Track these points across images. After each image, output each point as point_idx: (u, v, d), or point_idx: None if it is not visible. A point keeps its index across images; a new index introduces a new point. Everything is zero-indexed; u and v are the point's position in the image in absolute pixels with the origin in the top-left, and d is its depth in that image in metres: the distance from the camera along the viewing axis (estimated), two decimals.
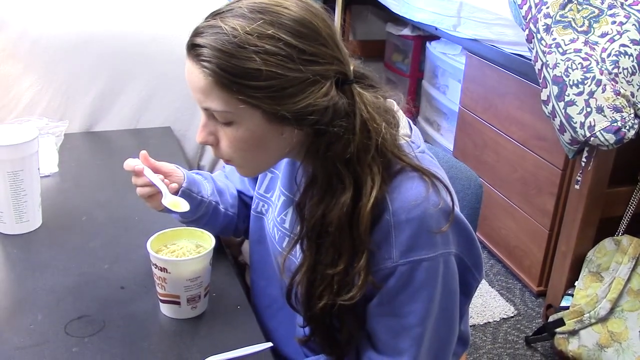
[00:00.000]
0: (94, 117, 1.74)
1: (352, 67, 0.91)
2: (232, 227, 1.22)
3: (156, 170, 1.07)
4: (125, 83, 1.75)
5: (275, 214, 1.10)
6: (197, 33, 0.87)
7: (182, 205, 1.05)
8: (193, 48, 0.87)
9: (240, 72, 0.84)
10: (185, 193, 1.09)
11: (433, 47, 3.40)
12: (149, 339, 0.99)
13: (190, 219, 1.13)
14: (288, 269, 1.01)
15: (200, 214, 1.14)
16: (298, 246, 0.97)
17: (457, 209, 0.95)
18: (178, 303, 1.01)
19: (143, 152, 1.06)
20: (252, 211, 1.17)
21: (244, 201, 1.24)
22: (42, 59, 1.71)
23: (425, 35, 3.51)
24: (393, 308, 0.94)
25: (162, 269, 0.99)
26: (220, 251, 1.17)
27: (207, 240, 1.05)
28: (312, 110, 0.86)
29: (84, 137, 1.72)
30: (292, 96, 0.85)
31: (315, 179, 0.92)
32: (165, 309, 1.03)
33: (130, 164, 1.06)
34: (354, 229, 0.90)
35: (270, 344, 0.97)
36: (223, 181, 1.24)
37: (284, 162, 1.09)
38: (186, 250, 1.04)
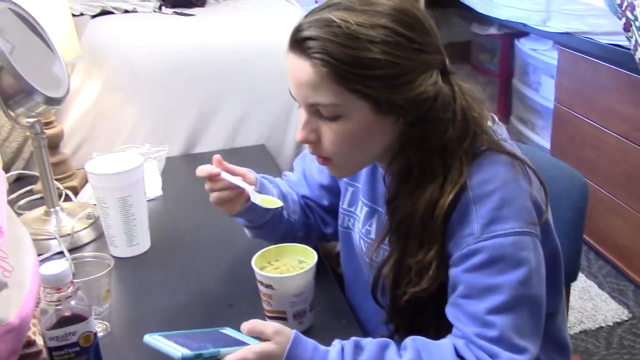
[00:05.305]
0: (192, 140, 1.81)
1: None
2: (291, 235, 1.19)
3: (232, 173, 1.07)
4: (220, 104, 1.81)
5: (360, 226, 1.10)
6: (302, 28, 0.88)
7: (274, 201, 1.06)
8: (301, 43, 0.88)
9: (356, 62, 0.85)
10: None
11: (522, 44, 3.30)
12: None
13: (258, 224, 1.14)
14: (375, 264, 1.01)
15: (268, 218, 1.14)
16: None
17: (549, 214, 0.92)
18: (285, 319, 1.02)
19: (216, 156, 1.05)
20: (339, 227, 1.17)
21: (308, 206, 1.23)
22: (141, 87, 1.79)
23: (513, 33, 3.41)
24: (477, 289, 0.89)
25: (268, 286, 1.01)
26: (321, 266, 1.18)
27: (309, 256, 1.06)
28: (425, 98, 0.87)
29: (183, 159, 1.79)
30: (407, 83, 0.87)
31: (408, 173, 0.92)
32: None
33: (205, 168, 1.04)
34: (434, 217, 0.90)
35: None
36: (286, 187, 1.23)
37: (363, 174, 1.09)
38: (290, 266, 1.05)
